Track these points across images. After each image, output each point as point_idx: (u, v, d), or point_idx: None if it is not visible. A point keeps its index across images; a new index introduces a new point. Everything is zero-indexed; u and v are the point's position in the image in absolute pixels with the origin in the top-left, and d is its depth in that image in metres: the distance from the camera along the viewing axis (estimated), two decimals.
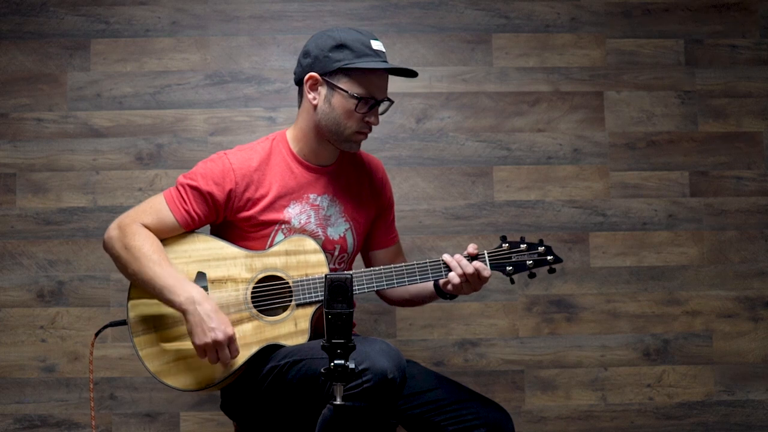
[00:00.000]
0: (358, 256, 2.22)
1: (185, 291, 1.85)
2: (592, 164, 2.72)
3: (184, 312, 1.84)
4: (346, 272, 2.05)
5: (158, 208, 1.95)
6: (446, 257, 1.93)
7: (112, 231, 1.95)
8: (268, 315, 1.95)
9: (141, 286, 1.92)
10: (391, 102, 2.01)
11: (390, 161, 2.65)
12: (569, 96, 2.74)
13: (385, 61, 1.95)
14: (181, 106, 2.69)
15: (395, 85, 2.70)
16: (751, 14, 2.78)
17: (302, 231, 2.00)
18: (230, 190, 1.96)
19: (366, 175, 2.14)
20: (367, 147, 2.21)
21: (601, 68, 2.75)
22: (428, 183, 2.70)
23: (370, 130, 2.01)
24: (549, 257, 1.96)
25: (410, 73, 1.98)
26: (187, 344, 1.92)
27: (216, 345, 1.83)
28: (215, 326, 1.82)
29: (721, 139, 2.75)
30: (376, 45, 1.95)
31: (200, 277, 1.95)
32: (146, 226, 1.94)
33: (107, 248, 1.97)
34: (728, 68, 2.76)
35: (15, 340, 2.62)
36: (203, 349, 1.84)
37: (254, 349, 1.92)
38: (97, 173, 2.67)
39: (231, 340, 1.84)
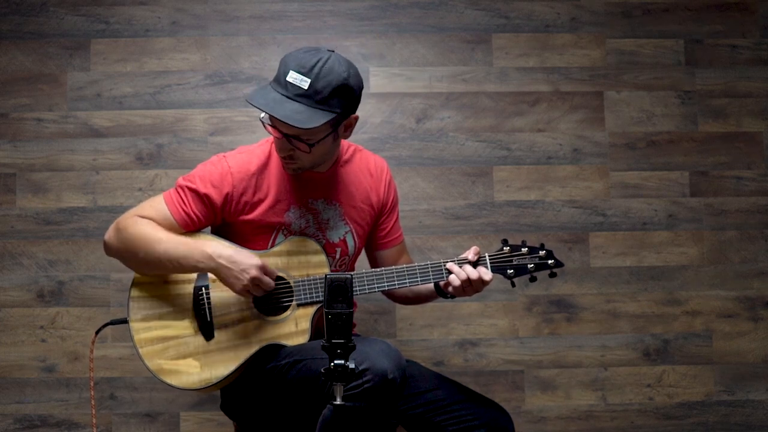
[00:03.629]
0: (363, 257, 2.22)
1: (200, 252, 1.87)
2: (592, 164, 2.73)
3: (211, 271, 1.88)
4: (346, 273, 2.05)
5: (158, 208, 1.96)
6: (450, 265, 1.93)
7: (110, 231, 1.97)
8: (269, 315, 1.95)
9: (157, 269, 1.93)
10: (295, 144, 1.87)
11: (390, 161, 2.64)
12: (569, 96, 2.74)
13: (285, 95, 1.82)
14: (181, 106, 2.69)
15: (395, 84, 2.72)
16: (751, 14, 2.78)
17: (302, 234, 2.00)
18: (227, 194, 1.95)
19: (368, 176, 2.13)
20: (367, 147, 2.21)
21: (601, 68, 2.75)
22: (428, 183, 2.70)
23: (287, 159, 1.93)
24: (550, 261, 1.95)
25: (286, 124, 1.81)
26: (188, 343, 1.93)
27: (254, 281, 1.85)
28: (244, 267, 1.85)
29: (721, 139, 2.75)
30: (293, 77, 1.82)
31: (202, 276, 1.96)
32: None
33: (109, 249, 1.97)
34: (728, 68, 2.76)
35: (15, 340, 2.61)
36: (246, 291, 1.87)
37: (255, 349, 1.92)
38: (97, 173, 2.67)
39: (263, 269, 1.87)
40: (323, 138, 1.88)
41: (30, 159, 2.66)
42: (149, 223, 1.93)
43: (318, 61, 1.83)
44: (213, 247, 1.88)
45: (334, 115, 1.85)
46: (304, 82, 1.81)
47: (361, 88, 1.91)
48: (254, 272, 1.85)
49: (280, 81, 1.85)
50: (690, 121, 2.75)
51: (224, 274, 1.86)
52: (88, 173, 2.66)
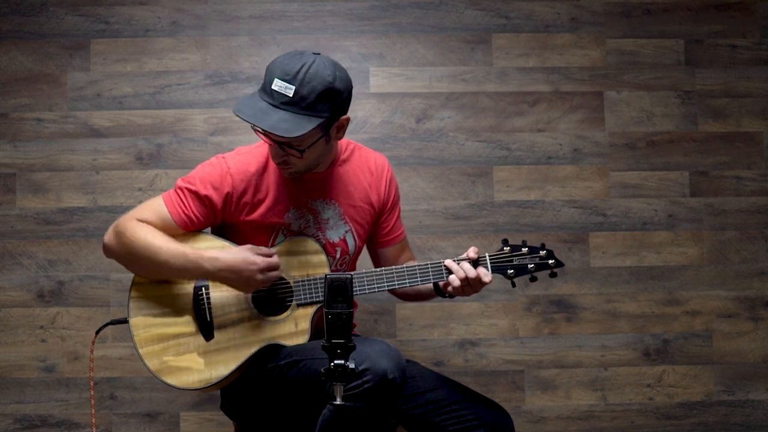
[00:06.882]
0: (364, 256, 2.22)
1: (199, 267, 1.89)
2: (592, 164, 2.73)
3: (216, 281, 1.91)
4: (346, 273, 2.05)
5: (157, 209, 1.95)
6: (448, 262, 1.93)
7: (108, 235, 1.96)
8: (268, 315, 1.95)
9: (157, 276, 1.94)
10: (287, 151, 1.88)
11: (390, 161, 2.64)
12: (569, 96, 2.74)
13: (272, 103, 1.82)
14: (181, 106, 2.69)
15: (395, 84, 2.72)
16: (751, 14, 2.78)
17: (302, 234, 2.00)
18: (227, 194, 1.95)
19: (368, 174, 2.13)
20: (368, 147, 2.21)
21: (601, 68, 2.75)
22: (428, 183, 2.70)
23: (282, 165, 1.94)
24: (551, 261, 1.95)
25: (272, 133, 1.82)
26: (188, 343, 1.93)
27: (264, 281, 1.89)
28: (250, 273, 1.87)
29: (721, 139, 2.75)
30: (277, 85, 1.81)
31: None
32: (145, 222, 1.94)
33: (108, 252, 1.97)
34: (728, 68, 2.76)
35: (15, 340, 2.62)
36: (262, 287, 1.91)
37: (254, 349, 1.92)
38: (97, 173, 2.67)
39: (268, 266, 1.89)
40: (314, 143, 1.88)
41: (30, 159, 2.66)
42: (149, 228, 1.92)
43: (302, 67, 1.81)
44: (211, 260, 1.89)
45: (321, 120, 1.83)
46: (289, 90, 1.80)
47: (349, 89, 1.89)
48: (259, 276, 1.88)
49: (266, 89, 1.84)
50: (690, 121, 2.75)
51: (230, 282, 1.90)
52: (88, 173, 2.66)
